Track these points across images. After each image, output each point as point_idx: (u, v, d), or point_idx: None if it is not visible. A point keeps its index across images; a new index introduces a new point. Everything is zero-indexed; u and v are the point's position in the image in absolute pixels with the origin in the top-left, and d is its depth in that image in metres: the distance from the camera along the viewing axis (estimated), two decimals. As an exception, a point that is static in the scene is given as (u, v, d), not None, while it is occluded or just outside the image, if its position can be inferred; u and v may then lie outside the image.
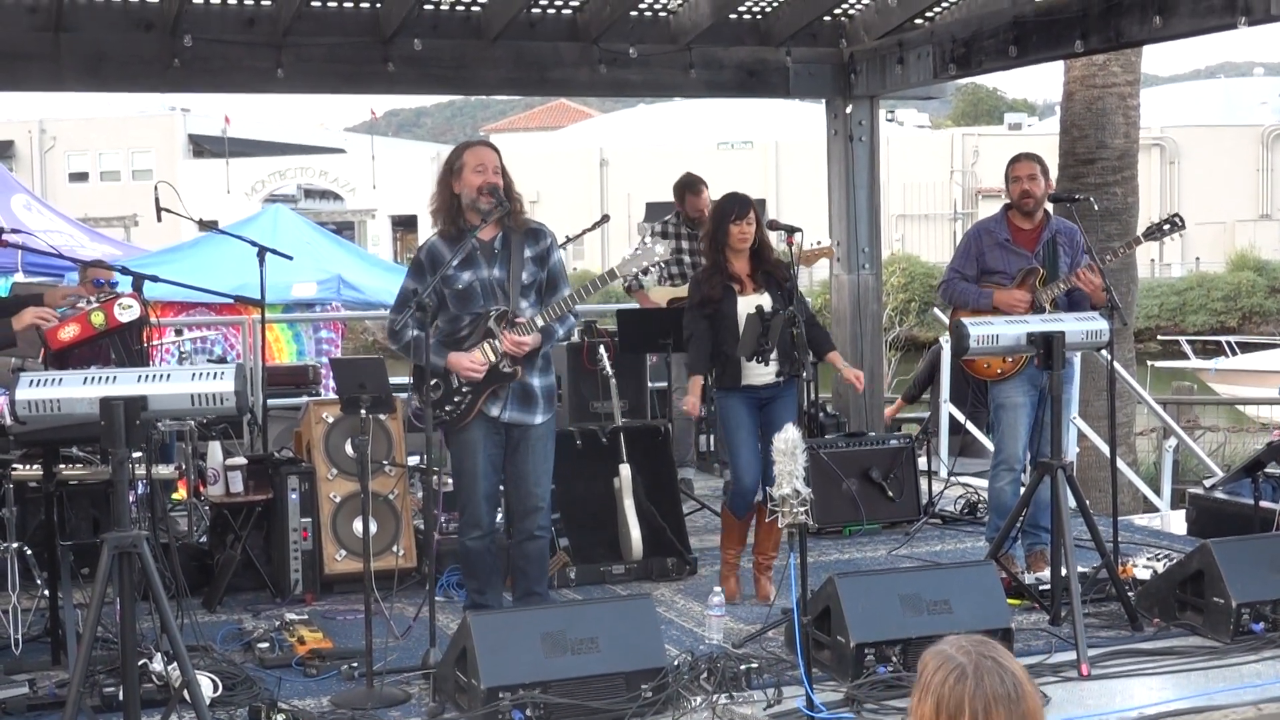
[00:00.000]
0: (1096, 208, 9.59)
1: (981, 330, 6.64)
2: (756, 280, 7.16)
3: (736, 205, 7.13)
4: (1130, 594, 6.70)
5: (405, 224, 53.33)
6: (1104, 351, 7.18)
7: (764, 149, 49.82)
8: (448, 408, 6.27)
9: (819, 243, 9.41)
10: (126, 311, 5.66)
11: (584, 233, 10.20)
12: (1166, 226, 7.56)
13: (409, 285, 6.37)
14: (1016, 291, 7.48)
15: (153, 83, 9.61)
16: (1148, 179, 39.67)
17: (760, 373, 7.08)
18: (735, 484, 7.27)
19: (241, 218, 18.59)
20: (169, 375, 5.15)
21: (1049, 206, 7.67)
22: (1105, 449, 8.65)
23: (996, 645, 2.74)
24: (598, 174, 51.71)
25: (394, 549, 7.55)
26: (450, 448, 6.48)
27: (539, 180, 44.68)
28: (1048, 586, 6.79)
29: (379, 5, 9.16)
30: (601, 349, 8.62)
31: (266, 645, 6.38)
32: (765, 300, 7.07)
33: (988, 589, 6.08)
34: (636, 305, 9.75)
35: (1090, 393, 10.67)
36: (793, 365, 6.92)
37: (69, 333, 5.67)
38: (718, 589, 6.77)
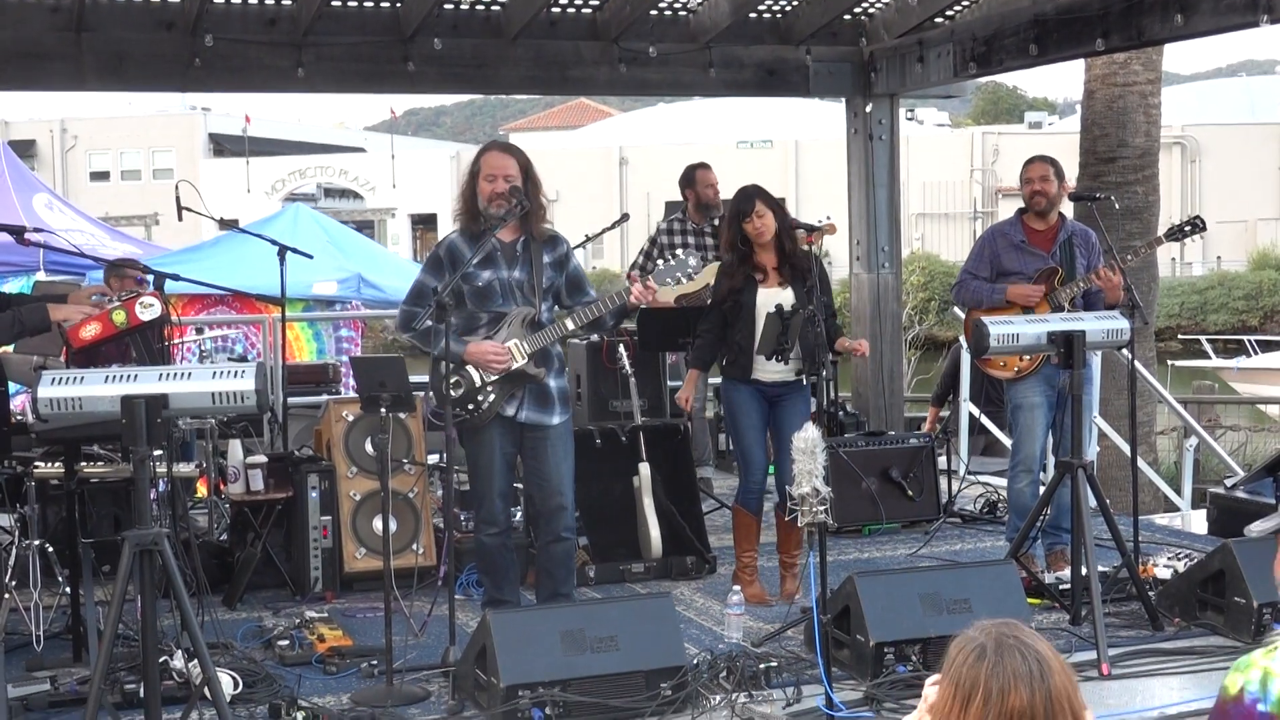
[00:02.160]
0: (1117, 206, 9.55)
1: (1002, 329, 6.63)
2: (782, 273, 7.14)
3: (742, 203, 7.11)
4: (1151, 593, 6.69)
5: (425, 222, 53.38)
6: (1125, 350, 7.17)
7: (784, 148, 49.73)
8: (470, 406, 6.27)
9: (820, 220, 9.35)
10: (148, 310, 5.67)
11: (603, 231, 10.17)
12: (1188, 228, 7.55)
13: (425, 280, 6.37)
14: (1030, 285, 7.46)
15: (173, 82, 9.64)
16: (1169, 177, 39.52)
17: (772, 369, 7.07)
18: (744, 477, 7.26)
19: (262, 216, 18.62)
20: (190, 374, 5.17)
21: (1067, 209, 7.66)
22: (1126, 448, 8.62)
23: (1022, 625, 2.68)
24: (617, 173, 51.68)
25: (414, 547, 7.56)
26: (465, 445, 6.48)
27: (558, 179, 44.66)
28: (1068, 586, 6.78)
29: (399, 4, 9.18)
30: (621, 348, 8.62)
31: (286, 643, 6.41)
32: (788, 295, 7.05)
33: (1008, 588, 6.07)
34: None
35: (1111, 392, 10.64)
36: (813, 364, 6.91)
37: (91, 331, 5.68)
38: (737, 587, 6.77)
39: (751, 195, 7.14)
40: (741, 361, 7.11)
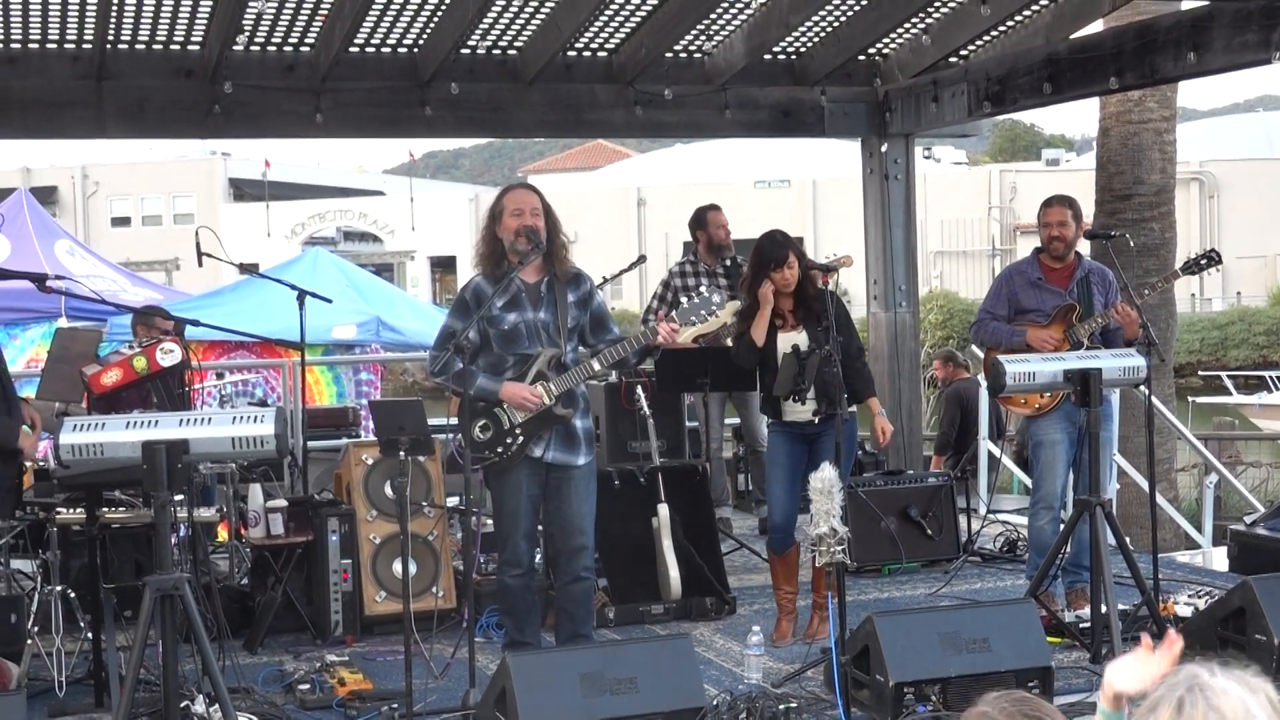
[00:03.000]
0: (1133, 244, 9.57)
1: (1018, 368, 6.64)
2: (797, 317, 7.18)
3: (775, 254, 7.09)
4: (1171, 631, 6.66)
5: (444, 265, 53.54)
6: (1143, 387, 7.17)
7: (801, 187, 49.83)
8: (499, 449, 6.29)
9: (834, 254, 9.35)
10: (168, 356, 5.73)
11: (622, 273, 10.21)
12: (1204, 261, 7.57)
13: (451, 323, 6.40)
14: (1048, 330, 7.48)
15: (193, 129, 9.72)
16: (1187, 213, 39.51)
17: (799, 410, 7.10)
18: (769, 519, 7.31)
19: (282, 260, 18.72)
20: (210, 419, 5.22)
21: (1083, 246, 7.68)
22: (1145, 485, 8.61)
23: (1041, 703, 2.66)
24: (635, 214, 51.81)
25: (433, 590, 7.57)
26: (490, 487, 6.49)
27: (576, 220, 44.66)
28: (1088, 624, 6.77)
29: (416, 50, 9.25)
30: (639, 389, 8.63)
31: (307, 687, 6.42)
32: (803, 338, 7.09)
33: (1028, 627, 6.06)
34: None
35: (1129, 429, 10.63)
36: (830, 404, 6.92)
37: (112, 377, 5.74)
38: (756, 628, 6.76)
39: (783, 244, 7.14)
40: (772, 405, 7.19)
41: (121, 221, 58.66)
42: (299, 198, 56.76)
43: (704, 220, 9.72)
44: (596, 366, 6.30)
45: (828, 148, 45.77)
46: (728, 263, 9.54)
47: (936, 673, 5.76)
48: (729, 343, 7.55)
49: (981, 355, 8.21)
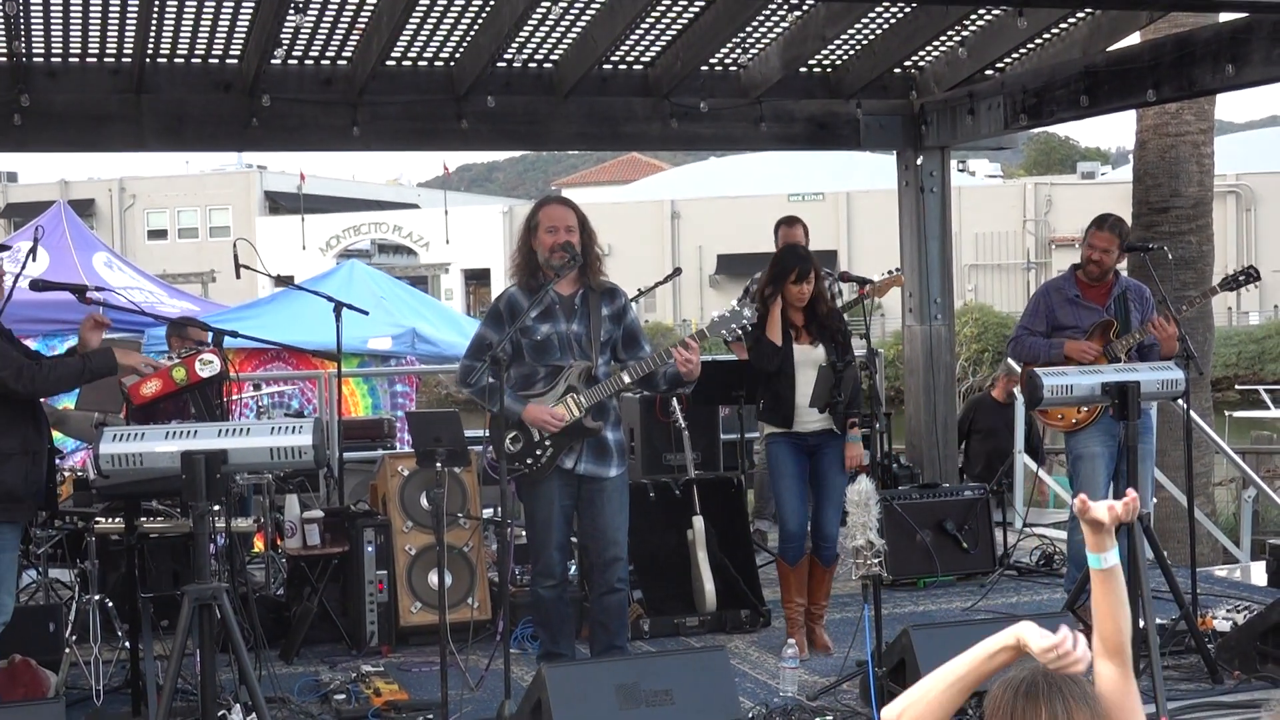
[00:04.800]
0: (1171, 256, 9.52)
1: (1055, 380, 6.62)
2: (811, 332, 7.22)
3: (796, 267, 7.16)
4: (1210, 646, 6.63)
5: (478, 277, 53.69)
6: (1180, 401, 7.14)
7: (834, 200, 49.79)
8: (529, 460, 6.30)
9: (889, 271, 9.34)
10: (207, 367, 5.75)
11: (656, 285, 10.22)
12: (1242, 278, 7.55)
13: (485, 333, 6.42)
14: (1086, 342, 7.46)
15: (231, 142, 9.77)
16: (1223, 226, 39.30)
17: (813, 419, 7.13)
18: (782, 530, 7.34)
19: (316, 273, 18.82)
20: (248, 429, 5.24)
21: (1120, 261, 7.67)
22: (1183, 499, 8.57)
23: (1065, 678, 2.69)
24: (669, 226, 51.85)
25: (469, 601, 7.59)
26: (523, 498, 6.50)
27: (610, 233, 44.67)
28: (1126, 638, 6.72)
29: (453, 63, 9.28)
30: (674, 401, 8.64)
31: (343, 697, 6.44)
32: (819, 353, 7.14)
33: (1065, 641, 6.02)
34: (733, 356, 9.65)
35: (1167, 442, 10.57)
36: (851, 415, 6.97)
37: (151, 388, 5.76)
38: (791, 641, 6.76)
39: (807, 259, 7.24)
40: (783, 412, 7.17)
41: (158, 234, 59.06)
42: (334, 210, 57.02)
43: (776, 232, 9.71)
44: (627, 379, 6.31)
45: (862, 160, 45.78)
46: None
47: (973, 686, 5.73)
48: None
49: (1019, 370, 8.19)
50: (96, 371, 5.86)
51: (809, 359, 7.16)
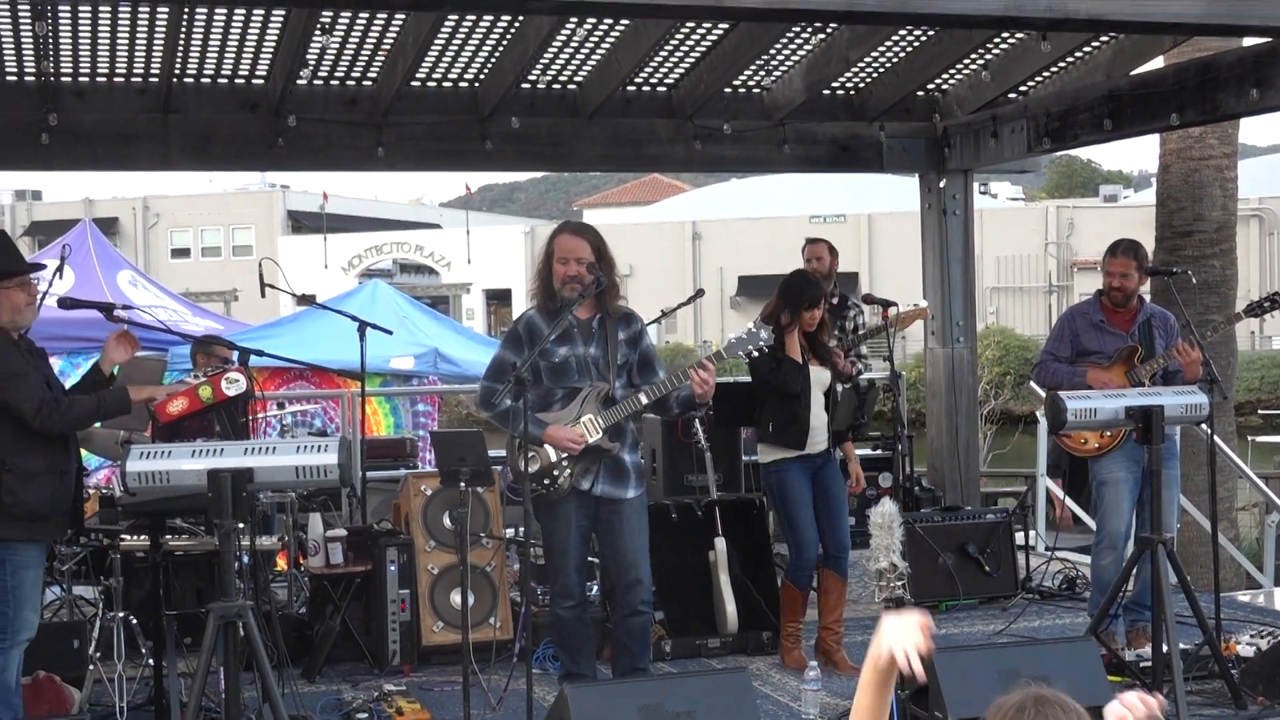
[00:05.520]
0: (1195, 280, 9.52)
1: (1079, 404, 6.61)
2: (817, 355, 7.41)
3: (810, 294, 7.33)
4: (1233, 672, 6.61)
5: (499, 298, 53.77)
6: (1204, 425, 7.13)
7: (856, 222, 49.77)
8: (545, 481, 6.30)
9: (915, 305, 9.35)
10: (234, 385, 5.77)
11: (679, 307, 10.22)
12: (1267, 304, 7.54)
13: (504, 355, 6.44)
14: (1109, 372, 7.46)
15: (257, 162, 9.82)
16: (1247, 250, 39.18)
17: (821, 440, 7.32)
18: (796, 556, 7.40)
19: (338, 292, 18.85)
20: (274, 448, 5.26)
21: (1145, 283, 7.67)
22: (1206, 524, 8.54)
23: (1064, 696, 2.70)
24: (690, 248, 51.88)
25: (491, 621, 7.60)
26: (540, 519, 6.49)
27: (631, 254, 44.88)
28: (1149, 663, 6.71)
29: (477, 84, 9.32)
30: (696, 422, 8.64)
31: (365, 715, 6.46)
32: (826, 374, 7.34)
33: (1088, 665, 6.02)
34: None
35: (1190, 467, 10.53)
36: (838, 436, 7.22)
37: (177, 406, 5.79)
38: (813, 663, 6.75)
39: (818, 284, 7.48)
40: (795, 434, 7.25)
41: (181, 253, 59.30)
42: (356, 230, 57.18)
43: (803, 250, 9.68)
44: (644, 400, 6.31)
45: (883, 182, 45.77)
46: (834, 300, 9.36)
47: (996, 710, 5.72)
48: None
49: (1043, 394, 8.18)
50: (110, 411, 5.93)
51: (818, 380, 7.34)
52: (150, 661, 6.38)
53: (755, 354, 6.55)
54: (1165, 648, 6.31)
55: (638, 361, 6.50)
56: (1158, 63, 9.64)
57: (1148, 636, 7.04)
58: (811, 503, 7.31)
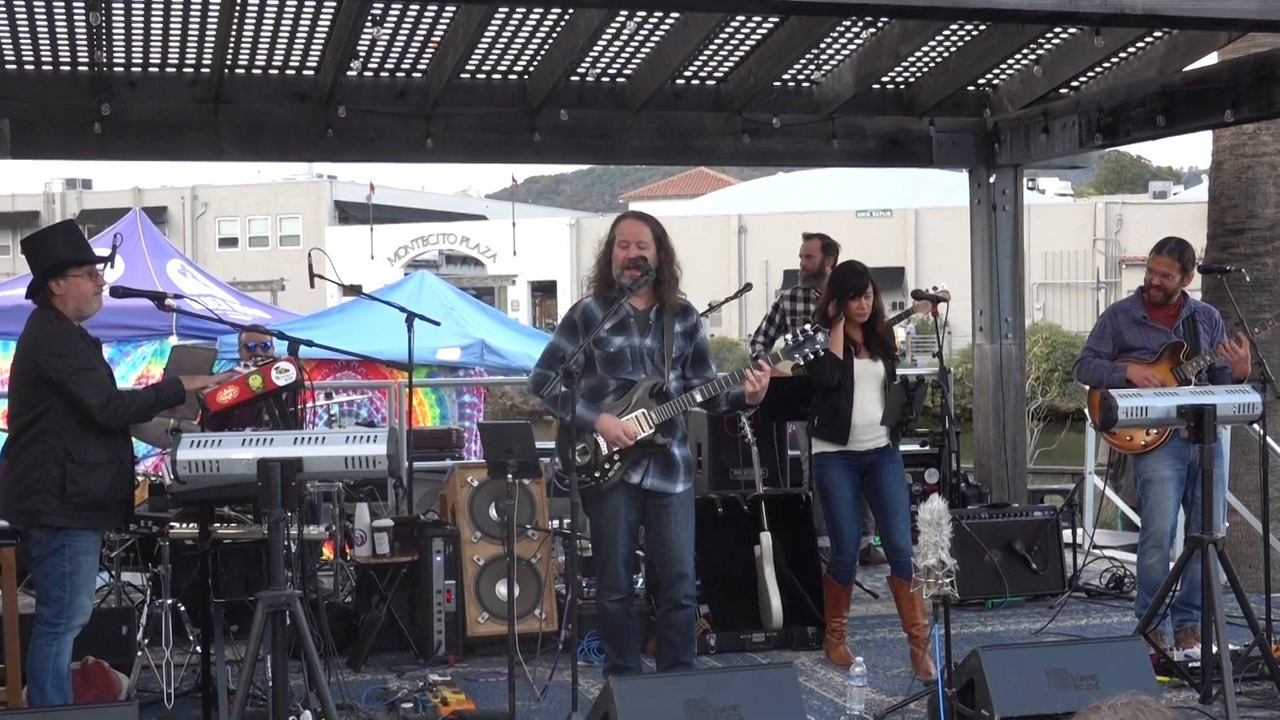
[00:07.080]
0: (1248, 278, 9.43)
1: (1130, 403, 6.56)
2: (871, 348, 7.28)
3: (855, 283, 7.26)
4: (1284, 673, 6.55)
5: (544, 290, 53.89)
6: (1256, 424, 7.06)
7: (903, 216, 49.62)
8: (596, 474, 6.29)
9: (935, 287, 9.28)
10: (283, 375, 5.80)
11: (727, 300, 10.23)
12: (1318, 302, 7.46)
13: (559, 343, 6.44)
14: (1152, 368, 7.40)
15: (306, 152, 9.87)
16: (1298, 248, 38.76)
17: (869, 437, 7.19)
18: (837, 551, 7.38)
19: (384, 283, 18.94)
20: (324, 438, 5.28)
21: (1196, 280, 7.60)
22: (1256, 524, 8.47)
23: (1160, 709, 2.63)
24: (735, 241, 51.83)
25: (536, 612, 7.62)
26: (588, 512, 6.48)
27: (677, 247, 44.69)
28: (1198, 664, 6.67)
29: (526, 77, 9.33)
30: (743, 416, 8.63)
31: (410, 705, 6.48)
32: (879, 368, 7.24)
33: (1136, 665, 5.98)
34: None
35: (1240, 466, 10.44)
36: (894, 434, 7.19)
37: (228, 395, 5.82)
38: (859, 659, 6.73)
39: (864, 274, 7.33)
40: (839, 428, 7.21)
41: (229, 242, 59.67)
42: (403, 221, 57.37)
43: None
44: (698, 398, 6.30)
45: (930, 177, 45.61)
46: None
47: (1043, 708, 5.70)
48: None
49: (1087, 390, 8.12)
50: (167, 402, 5.99)
51: (869, 373, 7.24)
52: (198, 648, 6.41)
53: (812, 357, 6.53)
54: (1215, 648, 6.26)
55: (692, 355, 6.49)
56: (1212, 58, 9.55)
57: (1196, 636, 6.99)
58: (854, 500, 7.26)
